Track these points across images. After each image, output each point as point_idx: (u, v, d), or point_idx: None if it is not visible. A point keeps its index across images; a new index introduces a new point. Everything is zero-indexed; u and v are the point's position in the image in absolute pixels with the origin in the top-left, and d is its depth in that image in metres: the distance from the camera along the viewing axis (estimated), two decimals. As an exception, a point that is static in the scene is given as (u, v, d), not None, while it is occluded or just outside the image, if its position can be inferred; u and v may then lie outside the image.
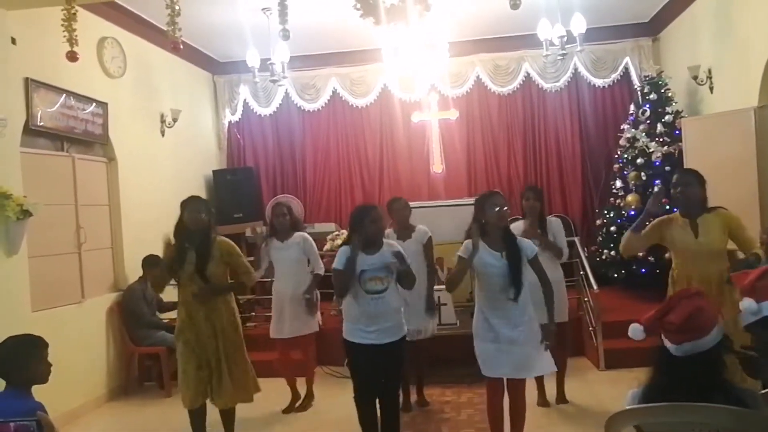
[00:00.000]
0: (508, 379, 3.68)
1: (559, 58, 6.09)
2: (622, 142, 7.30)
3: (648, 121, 6.96)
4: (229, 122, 8.76)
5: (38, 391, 2.68)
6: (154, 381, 6.00)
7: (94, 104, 5.81)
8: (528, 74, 8.24)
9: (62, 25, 3.90)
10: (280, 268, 5.08)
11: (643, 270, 6.60)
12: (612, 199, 7.37)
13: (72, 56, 3.95)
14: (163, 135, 7.10)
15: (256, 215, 8.07)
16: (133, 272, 6.05)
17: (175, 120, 7.15)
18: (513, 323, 3.57)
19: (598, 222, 7.57)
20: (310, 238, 5.15)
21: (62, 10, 3.88)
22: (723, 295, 3.49)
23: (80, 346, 5.36)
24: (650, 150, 6.77)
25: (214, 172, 8.27)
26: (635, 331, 2.17)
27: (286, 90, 8.44)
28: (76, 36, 3.93)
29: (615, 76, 8.09)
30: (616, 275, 6.98)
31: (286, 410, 5.12)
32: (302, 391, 5.22)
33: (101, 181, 6.09)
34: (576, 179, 8.30)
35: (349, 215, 3.98)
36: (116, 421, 5.32)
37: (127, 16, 6.33)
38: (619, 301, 6.52)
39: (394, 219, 4.89)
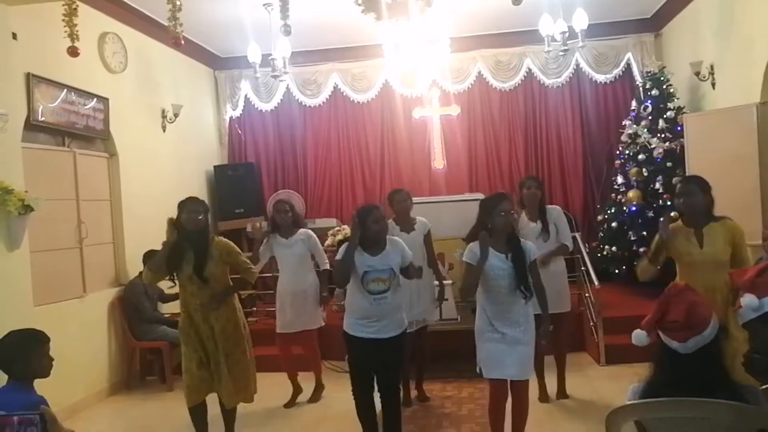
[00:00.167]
0: (512, 380, 3.67)
1: (561, 53, 6.09)
2: (623, 138, 7.29)
3: (650, 117, 6.94)
4: (230, 117, 8.75)
5: (40, 385, 2.69)
6: (155, 375, 6.02)
7: (95, 99, 5.81)
8: (530, 70, 8.22)
9: (63, 20, 3.90)
10: (284, 264, 5.11)
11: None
12: (613, 195, 7.34)
13: (73, 51, 3.95)
14: (164, 130, 7.10)
15: (257, 211, 8.08)
16: (135, 267, 6.05)
17: (176, 115, 7.15)
18: (516, 323, 3.57)
19: (600, 218, 7.56)
20: (314, 235, 5.17)
21: (63, 5, 3.89)
22: (728, 305, 3.40)
23: (82, 341, 5.38)
24: (652, 146, 6.75)
25: (215, 167, 8.27)
26: (639, 337, 2.18)
27: (287, 85, 8.42)
28: (77, 31, 3.93)
29: (617, 71, 8.06)
30: (617, 271, 6.97)
31: (288, 404, 5.14)
32: (306, 385, 5.25)
33: (102, 176, 6.10)
34: (577, 175, 8.28)
35: (350, 212, 3.99)
36: (118, 416, 5.34)
37: (128, 12, 6.34)
38: (619, 297, 6.52)
39: (395, 210, 4.86)
